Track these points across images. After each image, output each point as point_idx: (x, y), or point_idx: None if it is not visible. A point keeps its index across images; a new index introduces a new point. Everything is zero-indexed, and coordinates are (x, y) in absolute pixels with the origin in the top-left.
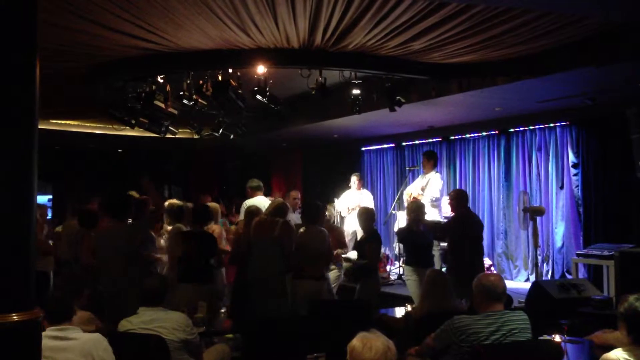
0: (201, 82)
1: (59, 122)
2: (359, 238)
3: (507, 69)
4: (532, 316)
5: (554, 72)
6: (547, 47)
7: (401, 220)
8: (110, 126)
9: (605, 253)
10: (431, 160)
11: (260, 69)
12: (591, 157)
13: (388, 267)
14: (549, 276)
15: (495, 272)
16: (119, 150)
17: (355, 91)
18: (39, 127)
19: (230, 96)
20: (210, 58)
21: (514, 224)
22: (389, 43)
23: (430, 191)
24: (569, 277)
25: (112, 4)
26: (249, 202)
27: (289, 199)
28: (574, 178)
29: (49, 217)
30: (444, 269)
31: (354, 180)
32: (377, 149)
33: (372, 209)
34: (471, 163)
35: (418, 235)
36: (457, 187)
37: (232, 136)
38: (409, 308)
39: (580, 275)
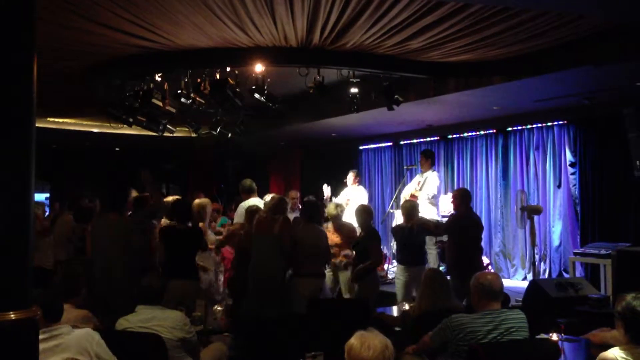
0: (199, 80)
1: (57, 120)
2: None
3: (505, 68)
4: (529, 315)
5: (552, 72)
6: (545, 46)
7: (399, 219)
8: (108, 124)
9: (603, 252)
10: (429, 159)
11: (259, 68)
12: (588, 156)
13: (386, 266)
14: (546, 275)
15: (492, 270)
16: (117, 149)
17: (353, 90)
18: (37, 125)
19: (228, 95)
20: (208, 56)
21: (512, 222)
22: (387, 42)
23: (427, 189)
24: (566, 275)
25: (110, 2)
26: (245, 203)
27: (287, 199)
28: (571, 177)
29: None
30: (441, 268)
31: (350, 175)
32: (375, 148)
33: (369, 206)
34: (469, 162)
35: (410, 234)
36: (455, 186)
37: (230, 135)
38: (407, 307)
39: (578, 274)
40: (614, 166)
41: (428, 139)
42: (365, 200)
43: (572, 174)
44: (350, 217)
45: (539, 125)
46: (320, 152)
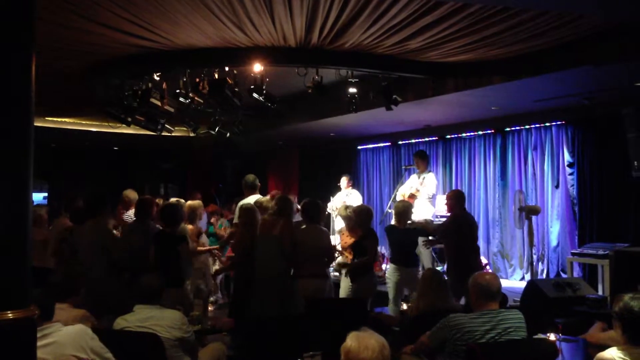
0: (198, 80)
1: (55, 119)
2: None
3: (504, 68)
4: (527, 315)
5: (551, 72)
6: (544, 46)
7: None
8: (107, 124)
9: (600, 252)
10: (425, 160)
11: (257, 67)
12: (587, 157)
13: (383, 266)
14: (544, 275)
15: (490, 271)
16: (115, 148)
17: (352, 90)
18: (35, 124)
19: (227, 94)
20: (207, 56)
21: (510, 222)
22: (386, 42)
23: (427, 189)
24: (564, 276)
25: (110, 2)
26: (244, 202)
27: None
28: (569, 177)
29: None
30: (438, 268)
31: (343, 180)
32: (373, 148)
33: (369, 207)
34: (467, 162)
35: (402, 234)
36: (453, 186)
37: (228, 134)
38: (405, 307)
39: (575, 275)
40: (612, 166)
41: (426, 139)
42: (358, 203)
43: (570, 174)
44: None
45: (537, 125)
46: (318, 152)
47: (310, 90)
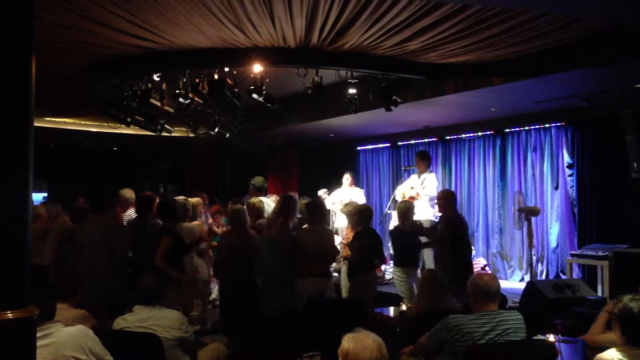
0: (197, 80)
1: (55, 119)
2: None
3: (503, 70)
4: (526, 316)
5: (551, 73)
6: (544, 47)
7: (396, 219)
8: (106, 124)
9: (600, 253)
10: (425, 160)
11: (257, 68)
12: (586, 158)
13: (383, 267)
14: (544, 276)
15: (489, 271)
16: (115, 149)
17: (352, 91)
18: (35, 124)
19: (226, 95)
20: (206, 56)
21: (509, 223)
22: (385, 43)
23: (428, 190)
24: (563, 277)
25: (109, 1)
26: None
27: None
28: (568, 178)
29: None
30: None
31: (346, 177)
32: (372, 149)
33: (369, 206)
34: (466, 163)
35: (407, 236)
36: (453, 187)
37: (227, 135)
38: (404, 307)
39: (575, 276)
40: (612, 168)
41: (426, 140)
42: (363, 201)
43: (570, 175)
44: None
45: (537, 126)
46: (318, 153)
47: (309, 91)
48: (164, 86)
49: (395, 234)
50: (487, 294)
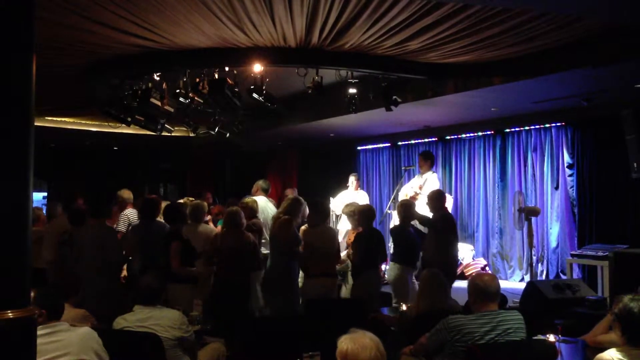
0: (198, 80)
1: (55, 119)
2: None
3: (504, 70)
4: (526, 316)
5: (551, 73)
6: (544, 47)
7: (396, 219)
8: (106, 124)
9: (600, 254)
10: (428, 161)
11: (257, 68)
12: (586, 158)
13: (383, 267)
14: (544, 276)
15: (489, 272)
16: (115, 148)
17: (352, 90)
18: (35, 124)
19: (227, 94)
20: (207, 56)
21: (509, 224)
22: (386, 43)
23: (428, 190)
24: (563, 277)
25: (109, 1)
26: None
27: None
28: (569, 179)
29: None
30: None
31: (352, 180)
32: (373, 149)
33: (371, 207)
34: (467, 163)
35: (409, 235)
36: (453, 187)
37: (228, 135)
38: (404, 307)
39: (575, 276)
40: (612, 168)
41: (426, 140)
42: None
43: (570, 175)
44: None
45: (537, 126)
46: (318, 153)
47: (310, 91)
48: (164, 86)
49: (396, 232)
50: (487, 294)
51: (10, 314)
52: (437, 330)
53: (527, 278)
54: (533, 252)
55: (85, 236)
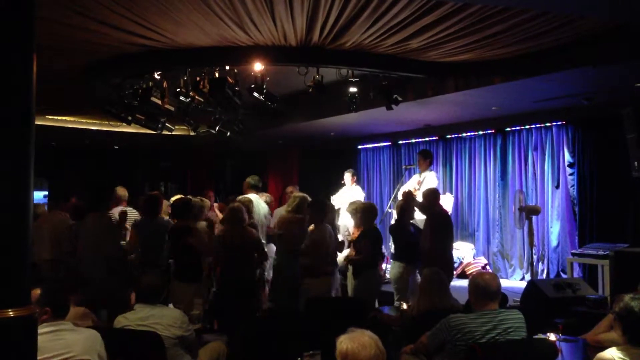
0: (198, 79)
1: (55, 118)
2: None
3: (504, 68)
4: (527, 315)
5: (551, 72)
6: (544, 46)
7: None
8: (107, 122)
9: (600, 253)
10: (427, 160)
11: (258, 67)
12: (587, 157)
13: (384, 265)
14: (544, 275)
15: (490, 270)
16: (115, 147)
17: (352, 89)
18: (36, 122)
19: (227, 93)
20: (207, 55)
21: (510, 222)
22: (386, 41)
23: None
24: (564, 276)
25: (110, 0)
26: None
27: (285, 195)
28: (569, 177)
29: None
30: None
31: (347, 176)
32: (373, 147)
33: (373, 204)
34: (467, 162)
35: (408, 233)
36: (454, 185)
37: (228, 133)
38: (405, 306)
39: (575, 275)
40: (613, 167)
41: (426, 139)
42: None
43: (571, 174)
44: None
45: (538, 125)
46: (318, 151)
47: (310, 90)
48: (164, 84)
49: (394, 230)
50: (487, 293)
51: (11, 313)
52: (437, 330)
53: (528, 277)
54: (534, 251)
55: (87, 229)
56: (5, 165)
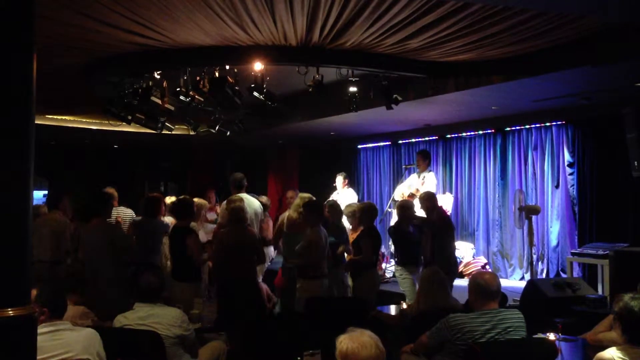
0: (198, 78)
1: (55, 117)
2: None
3: (504, 68)
4: (526, 315)
5: (551, 71)
6: (544, 46)
7: (396, 218)
8: (107, 122)
9: (600, 252)
10: (426, 160)
11: (258, 66)
12: (587, 157)
13: (384, 265)
14: (544, 275)
15: (490, 270)
16: (115, 146)
17: (352, 89)
18: (35, 122)
19: (227, 93)
20: (207, 54)
21: (510, 222)
22: (386, 41)
23: (427, 189)
24: (563, 276)
25: None
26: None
27: (285, 199)
28: (569, 177)
29: None
30: None
31: (339, 179)
32: (373, 147)
33: (372, 204)
34: (467, 161)
35: (407, 234)
36: (453, 185)
37: (228, 133)
38: (405, 306)
39: (575, 274)
40: (612, 166)
41: (426, 139)
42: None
43: (570, 174)
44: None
45: (538, 125)
46: (318, 151)
47: (310, 90)
48: (164, 84)
49: (395, 232)
50: (487, 293)
51: (10, 312)
52: (437, 329)
53: (528, 276)
54: (533, 251)
55: (90, 234)
56: (5, 165)
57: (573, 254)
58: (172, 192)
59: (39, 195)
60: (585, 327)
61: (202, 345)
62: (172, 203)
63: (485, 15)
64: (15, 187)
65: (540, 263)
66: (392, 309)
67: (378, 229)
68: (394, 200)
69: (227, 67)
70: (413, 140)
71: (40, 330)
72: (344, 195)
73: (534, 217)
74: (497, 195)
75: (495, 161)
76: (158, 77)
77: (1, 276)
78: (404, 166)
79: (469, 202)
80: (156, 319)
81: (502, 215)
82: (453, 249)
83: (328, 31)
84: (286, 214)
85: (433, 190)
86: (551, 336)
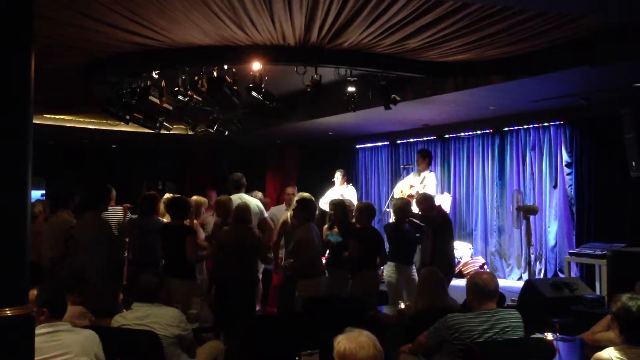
0: (197, 78)
1: (54, 117)
2: None
3: (503, 68)
4: (524, 315)
5: (549, 72)
6: (543, 46)
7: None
8: (105, 121)
9: (598, 252)
10: (426, 159)
11: (256, 66)
12: (585, 157)
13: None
14: (542, 275)
15: (488, 270)
16: (113, 146)
17: (351, 89)
18: (34, 121)
19: (225, 92)
20: (206, 54)
21: (508, 222)
22: (385, 41)
23: (428, 189)
24: (561, 276)
25: None
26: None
27: (284, 195)
28: (567, 177)
29: None
30: None
31: (337, 175)
32: (371, 147)
33: (370, 204)
34: (465, 161)
35: (404, 232)
36: (452, 185)
37: (227, 133)
38: (402, 306)
39: (573, 274)
40: (610, 167)
41: (425, 139)
42: (355, 201)
43: (568, 174)
44: None
45: (536, 125)
46: (317, 151)
47: (309, 89)
48: (163, 84)
49: (389, 229)
50: (485, 293)
51: (8, 312)
52: (435, 329)
53: (525, 276)
54: (531, 251)
55: (84, 227)
56: (3, 164)
57: (571, 254)
58: (171, 191)
59: (36, 195)
60: (583, 327)
61: (200, 345)
62: (167, 200)
63: (484, 15)
64: (13, 187)
65: (538, 263)
66: (385, 309)
67: (377, 228)
68: (392, 198)
69: (226, 66)
70: (411, 140)
71: (38, 331)
72: (342, 192)
73: (531, 217)
74: (495, 195)
75: (494, 161)
76: (156, 76)
77: None
78: (402, 166)
79: (467, 202)
80: (154, 318)
81: (500, 216)
82: (452, 247)
83: (326, 31)
84: (288, 213)
85: (434, 191)
86: (549, 336)
